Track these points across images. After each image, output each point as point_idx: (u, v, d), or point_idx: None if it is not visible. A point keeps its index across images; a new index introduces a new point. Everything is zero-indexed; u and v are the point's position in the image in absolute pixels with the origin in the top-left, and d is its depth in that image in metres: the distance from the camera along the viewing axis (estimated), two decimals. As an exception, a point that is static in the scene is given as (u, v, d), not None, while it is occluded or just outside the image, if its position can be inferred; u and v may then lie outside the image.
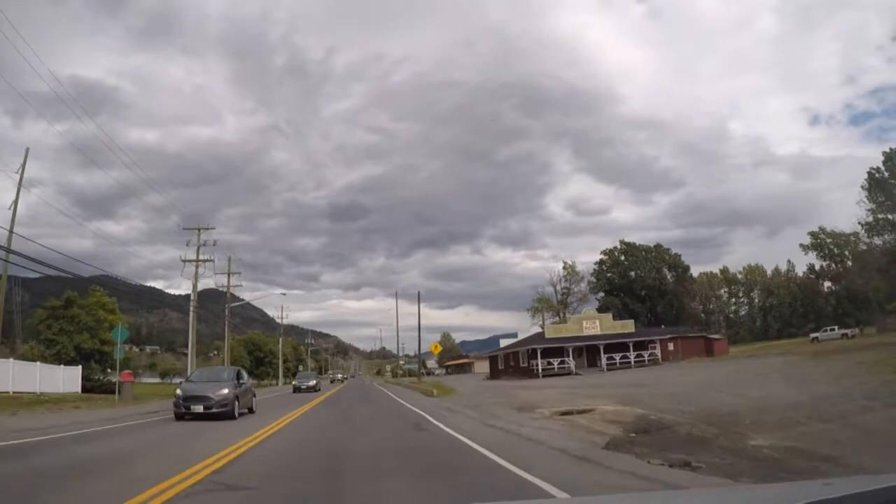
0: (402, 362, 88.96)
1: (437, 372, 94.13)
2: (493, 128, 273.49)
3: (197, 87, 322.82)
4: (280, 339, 77.03)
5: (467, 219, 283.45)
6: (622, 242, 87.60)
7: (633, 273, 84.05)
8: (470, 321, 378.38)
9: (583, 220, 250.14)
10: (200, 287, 39.17)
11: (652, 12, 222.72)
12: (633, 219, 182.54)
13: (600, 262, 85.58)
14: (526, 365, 44.73)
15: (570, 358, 42.70)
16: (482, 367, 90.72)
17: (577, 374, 41.16)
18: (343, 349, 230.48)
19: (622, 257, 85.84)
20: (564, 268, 79.71)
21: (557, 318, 72.97)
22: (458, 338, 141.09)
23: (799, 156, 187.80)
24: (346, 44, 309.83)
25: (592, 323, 45.93)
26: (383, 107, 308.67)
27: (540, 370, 41.98)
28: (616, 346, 43.47)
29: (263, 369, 74.60)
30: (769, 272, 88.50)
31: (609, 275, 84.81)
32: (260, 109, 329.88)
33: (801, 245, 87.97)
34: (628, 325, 46.73)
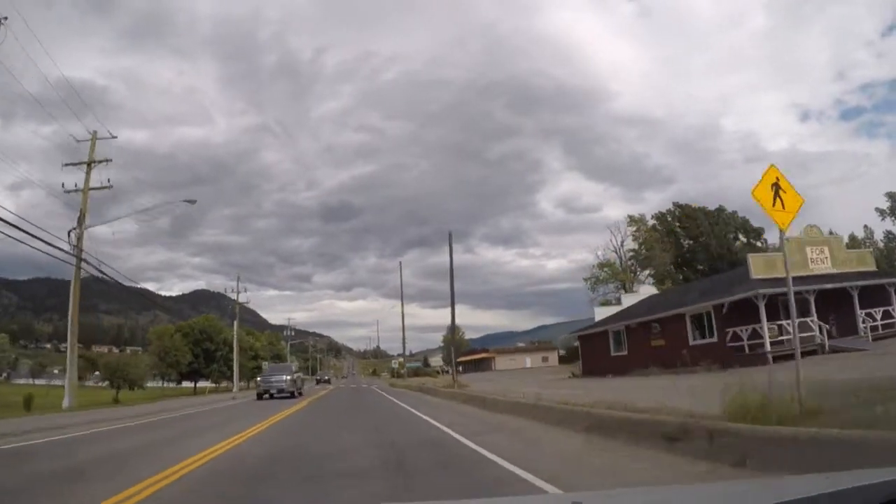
0: (401, 360, 68.28)
1: (447, 370, 74.03)
2: (484, 126, 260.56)
3: (187, 87, 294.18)
4: (235, 323, 52.13)
5: (459, 217, 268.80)
6: (676, 205, 71.17)
7: (691, 242, 67.73)
8: (463, 320, 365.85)
9: (574, 218, 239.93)
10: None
11: (643, 10, 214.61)
12: (625, 216, 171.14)
13: (651, 230, 68.74)
14: (714, 339, 25.12)
15: (814, 317, 23.40)
16: (504, 363, 71.48)
17: (839, 347, 22.40)
18: (336, 349, 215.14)
19: (677, 224, 69.27)
20: (631, 223, 61.63)
21: (624, 290, 54.69)
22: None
23: (790, 151, 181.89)
24: (337, 43, 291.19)
25: (819, 250, 26.75)
26: (373, 106, 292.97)
27: (768, 347, 22.57)
28: (868, 293, 25.02)
29: (216, 367, 51.26)
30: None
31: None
32: (250, 110, 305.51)
33: (877, 209, 75.22)
34: (866, 258, 28.28)
